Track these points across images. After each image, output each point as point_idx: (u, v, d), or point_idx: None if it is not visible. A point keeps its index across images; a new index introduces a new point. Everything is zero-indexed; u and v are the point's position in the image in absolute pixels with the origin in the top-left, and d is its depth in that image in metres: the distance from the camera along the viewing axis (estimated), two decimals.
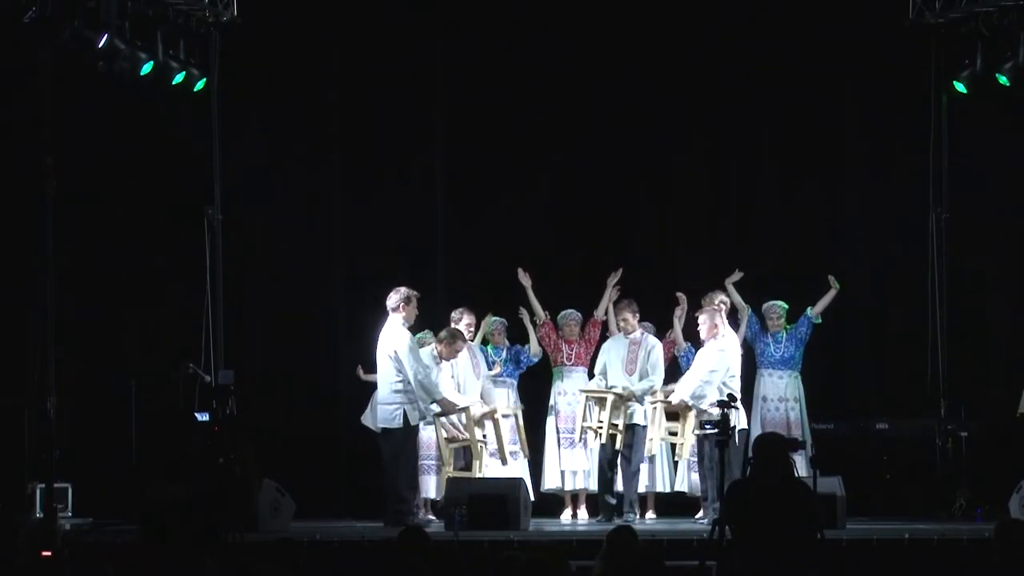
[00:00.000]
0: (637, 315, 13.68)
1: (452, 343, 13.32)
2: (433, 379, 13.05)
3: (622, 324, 13.67)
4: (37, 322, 12.37)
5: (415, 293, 13.16)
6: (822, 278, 14.54)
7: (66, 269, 13.29)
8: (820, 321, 14.10)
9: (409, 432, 12.96)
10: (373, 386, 13.38)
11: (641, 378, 13.48)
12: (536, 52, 15.12)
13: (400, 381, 12.92)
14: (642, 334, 13.65)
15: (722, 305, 13.63)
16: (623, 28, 15.15)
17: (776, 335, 14.06)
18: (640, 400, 13.46)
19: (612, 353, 13.69)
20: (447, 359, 13.38)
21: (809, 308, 14.09)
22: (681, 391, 13.30)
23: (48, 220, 11.97)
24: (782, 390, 13.97)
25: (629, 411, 13.42)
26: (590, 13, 15.14)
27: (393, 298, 13.08)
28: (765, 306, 14.09)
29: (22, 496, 12.55)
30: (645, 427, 13.47)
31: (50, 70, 12.14)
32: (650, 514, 13.77)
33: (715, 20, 15.11)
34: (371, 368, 13.41)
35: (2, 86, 13.65)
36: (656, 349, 13.63)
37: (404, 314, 13.04)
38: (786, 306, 14.09)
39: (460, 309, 13.86)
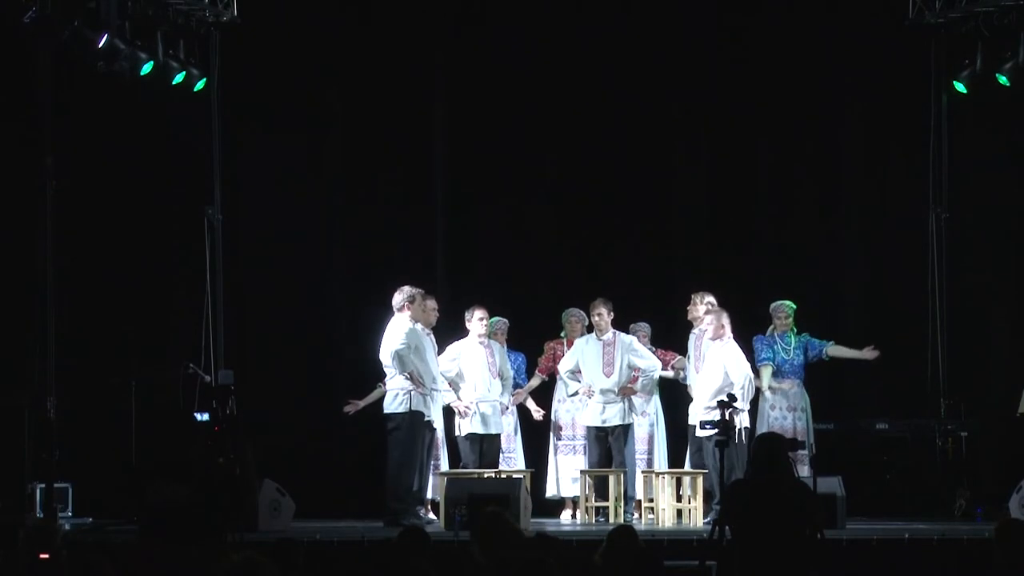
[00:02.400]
0: (612, 314, 13.60)
1: (413, 303, 13.02)
2: (410, 358, 12.90)
3: (596, 319, 13.56)
4: (37, 322, 12.36)
5: (419, 291, 13.13)
6: (821, 279, 14.59)
7: (66, 269, 13.28)
8: (828, 360, 13.99)
9: (415, 423, 12.93)
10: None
11: (622, 377, 13.45)
12: (537, 53, 15.12)
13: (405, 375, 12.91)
14: (614, 334, 13.58)
15: (710, 305, 13.53)
16: (624, 28, 15.14)
17: (784, 337, 13.89)
18: (649, 390, 13.49)
19: (587, 354, 13.59)
20: (422, 323, 13.13)
21: (831, 345, 13.94)
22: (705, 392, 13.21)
23: (48, 220, 11.96)
24: (791, 399, 13.78)
25: (617, 410, 13.44)
26: (591, 14, 15.14)
27: (397, 297, 13.06)
28: (773, 305, 13.93)
29: (22, 496, 12.54)
30: (628, 425, 13.50)
31: (50, 70, 12.13)
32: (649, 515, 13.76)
33: (715, 20, 15.12)
34: (367, 392, 13.42)
35: (2, 86, 13.65)
36: (633, 341, 13.58)
37: (410, 313, 13.01)
38: (794, 306, 13.98)
39: (473, 307, 13.75)
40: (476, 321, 13.64)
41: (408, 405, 12.88)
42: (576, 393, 13.70)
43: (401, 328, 12.98)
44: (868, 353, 13.92)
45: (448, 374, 13.53)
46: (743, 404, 13.02)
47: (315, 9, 15.07)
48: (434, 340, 13.39)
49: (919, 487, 14.26)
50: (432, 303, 13.38)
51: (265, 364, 15.01)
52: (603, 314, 13.54)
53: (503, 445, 13.85)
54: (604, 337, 13.55)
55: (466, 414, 13.49)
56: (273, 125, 15.09)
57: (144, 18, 13.51)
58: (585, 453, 13.82)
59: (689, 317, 13.69)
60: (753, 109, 15.27)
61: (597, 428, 13.55)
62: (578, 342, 13.75)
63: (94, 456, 14.18)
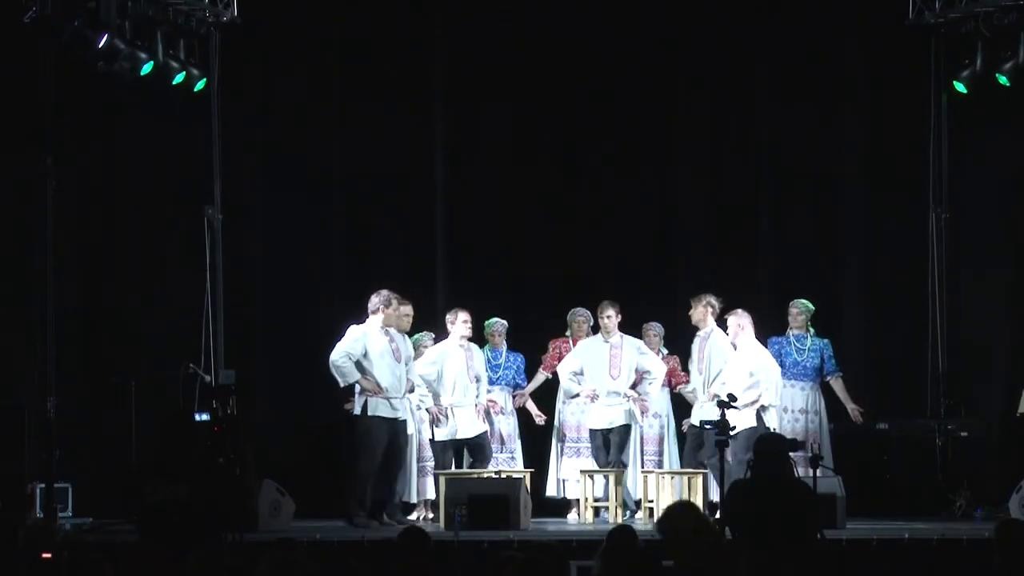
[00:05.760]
0: (620, 316, 13.51)
1: (388, 307, 12.94)
2: (350, 365, 12.83)
3: (604, 321, 13.46)
4: (37, 322, 12.37)
5: (396, 296, 13.05)
6: (820, 279, 14.57)
7: (66, 269, 13.27)
8: (828, 378, 13.99)
9: (372, 427, 12.82)
10: None
11: (628, 380, 13.40)
12: (537, 55, 15.13)
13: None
14: (621, 336, 13.50)
15: (710, 307, 13.38)
16: (624, 27, 15.15)
17: (800, 338, 13.87)
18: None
19: (593, 356, 13.51)
20: (396, 328, 13.03)
21: (837, 376, 13.89)
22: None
23: (48, 220, 11.97)
24: (803, 402, 13.74)
25: (622, 412, 13.42)
26: (591, 12, 15.16)
27: (373, 300, 12.98)
28: (791, 306, 13.95)
29: (22, 496, 12.54)
30: (629, 426, 13.46)
31: (50, 70, 12.12)
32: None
33: (715, 20, 15.12)
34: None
35: (2, 86, 13.65)
36: (640, 345, 13.55)
37: (383, 316, 12.92)
38: (809, 305, 13.90)
39: (454, 309, 13.69)
40: (460, 324, 13.54)
41: (361, 408, 12.82)
42: (577, 395, 13.64)
43: (348, 337, 12.89)
44: (853, 409, 13.91)
45: (428, 377, 13.44)
46: (772, 399, 12.97)
47: (315, 9, 15.07)
48: (409, 344, 13.30)
49: (919, 487, 14.25)
50: (407, 308, 13.20)
51: (265, 364, 15.01)
52: (611, 316, 13.44)
53: (506, 445, 13.83)
54: (611, 339, 13.50)
55: (439, 420, 13.42)
56: (273, 125, 15.09)
57: (144, 18, 13.50)
58: (591, 456, 13.81)
59: (693, 321, 13.61)
60: (753, 108, 15.27)
61: (603, 431, 13.50)
62: (582, 343, 13.69)
63: (94, 456, 14.19)
